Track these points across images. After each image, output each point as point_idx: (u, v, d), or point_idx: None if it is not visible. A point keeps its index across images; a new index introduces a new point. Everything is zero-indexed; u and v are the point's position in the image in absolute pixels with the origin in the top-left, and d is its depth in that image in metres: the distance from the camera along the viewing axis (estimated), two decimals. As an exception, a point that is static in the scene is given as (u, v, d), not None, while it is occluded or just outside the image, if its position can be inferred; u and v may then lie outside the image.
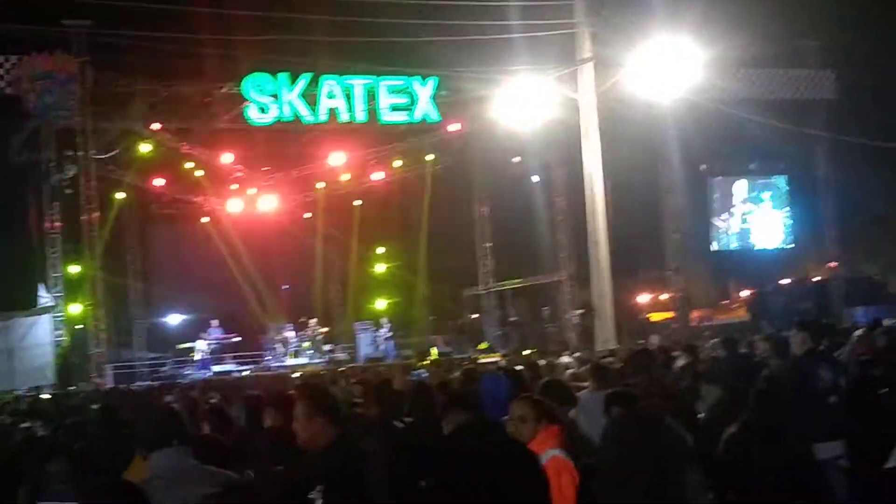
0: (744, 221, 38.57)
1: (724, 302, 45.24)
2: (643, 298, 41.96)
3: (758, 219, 38.68)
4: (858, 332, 12.72)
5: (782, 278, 39.28)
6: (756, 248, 38.91)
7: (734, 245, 38.81)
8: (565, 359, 16.63)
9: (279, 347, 33.64)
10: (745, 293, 42.22)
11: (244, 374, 30.67)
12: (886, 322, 17.06)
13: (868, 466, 6.74)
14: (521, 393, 7.93)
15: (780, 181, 38.96)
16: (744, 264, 39.74)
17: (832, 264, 35.82)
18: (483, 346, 35.71)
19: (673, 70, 22.46)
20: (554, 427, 6.35)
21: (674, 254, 34.23)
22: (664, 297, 38.67)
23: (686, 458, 3.48)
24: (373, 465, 6.00)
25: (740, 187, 38.64)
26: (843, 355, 10.27)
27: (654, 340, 24.16)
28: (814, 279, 38.20)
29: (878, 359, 9.02)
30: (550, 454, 6.01)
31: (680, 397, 7.34)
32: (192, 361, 32.57)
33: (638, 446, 3.39)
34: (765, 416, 7.26)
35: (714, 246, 38.37)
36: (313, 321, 34.76)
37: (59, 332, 28.46)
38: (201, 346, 32.32)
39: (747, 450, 6.47)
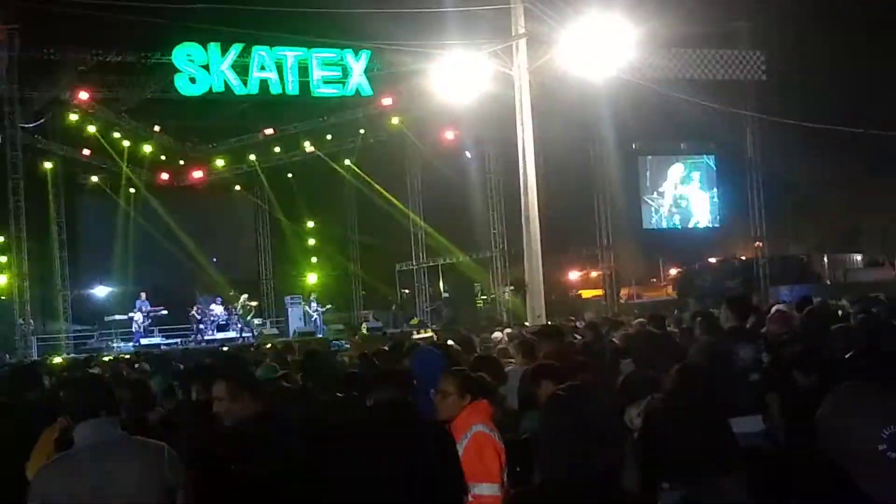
0: (674, 201, 38.98)
1: (653, 280, 45.79)
2: (574, 275, 42.33)
3: (687, 198, 39.11)
4: (776, 308, 12.92)
5: (710, 257, 39.85)
6: (685, 227, 39.38)
7: (664, 224, 39.23)
8: (498, 334, 16.67)
9: (207, 321, 33.35)
10: (673, 271, 42.78)
11: (172, 347, 30.38)
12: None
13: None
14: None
15: (710, 161, 39.45)
16: (673, 243, 40.27)
17: (757, 244, 36.35)
18: (414, 321, 35.82)
19: (606, 48, 22.51)
20: (481, 402, 6.35)
21: (605, 232, 34.52)
22: (595, 274, 39.05)
23: (621, 429, 3.53)
24: (293, 437, 6.00)
25: (675, 167, 39.05)
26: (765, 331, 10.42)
27: (589, 316, 24.34)
28: (741, 258, 38.79)
29: (794, 337, 9.14)
30: (474, 429, 6.02)
31: (593, 370, 7.44)
32: (121, 334, 32.25)
33: (580, 418, 3.42)
34: (686, 389, 7.34)
35: (645, 224, 38.74)
36: (243, 296, 34.55)
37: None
38: (139, 318, 32.01)
39: (667, 422, 6.51)
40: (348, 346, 21.33)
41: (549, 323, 19.49)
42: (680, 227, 39.43)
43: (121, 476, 4.84)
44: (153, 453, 5.05)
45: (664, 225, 39.32)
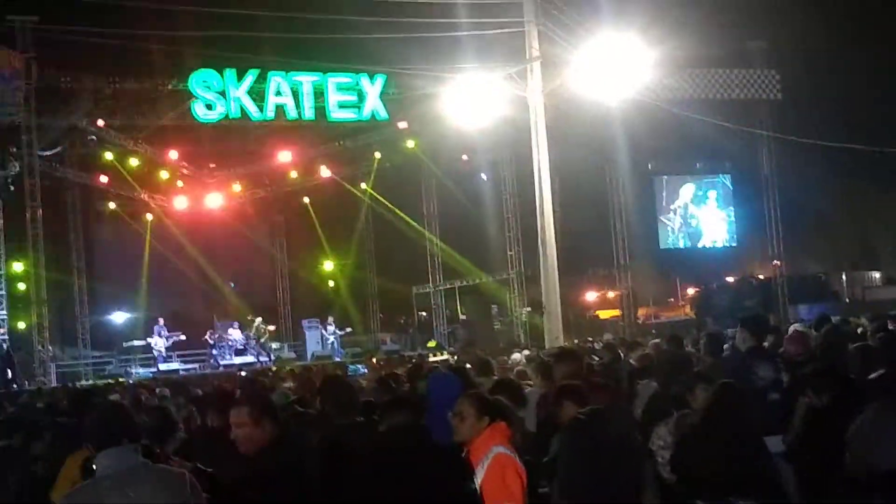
0: (690, 220, 38.88)
1: (670, 300, 45.69)
2: (591, 296, 42.27)
3: (703, 217, 39.01)
4: (793, 328, 12.86)
5: (728, 276, 39.74)
6: (702, 247, 39.27)
7: (681, 244, 39.13)
8: (516, 356, 16.66)
9: (225, 346, 33.41)
10: (690, 291, 42.67)
11: (190, 372, 30.42)
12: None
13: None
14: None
15: (725, 180, 39.35)
16: (690, 262, 40.17)
17: (775, 263, 36.23)
18: (431, 343, 35.78)
19: (620, 69, 22.57)
20: (500, 424, 6.36)
21: (621, 252, 34.47)
22: (612, 294, 38.99)
23: (639, 450, 3.56)
24: (309, 462, 6.02)
25: (686, 187, 38.97)
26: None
27: (607, 337, 24.30)
28: (758, 277, 38.66)
29: (810, 357, 9.10)
30: (495, 451, 6.03)
31: (612, 392, 7.43)
32: (140, 360, 32.34)
33: (599, 441, 3.46)
34: (725, 408, 7.32)
35: (661, 244, 38.65)
36: (259, 319, 34.61)
37: (3, 330, 28.10)
38: (160, 343, 32.10)
39: (703, 441, 6.51)
40: (366, 370, 21.32)
41: (566, 345, 19.44)
42: (697, 246, 39.31)
43: (145, 503, 4.84)
44: (175, 480, 5.05)
45: (681, 245, 39.19)
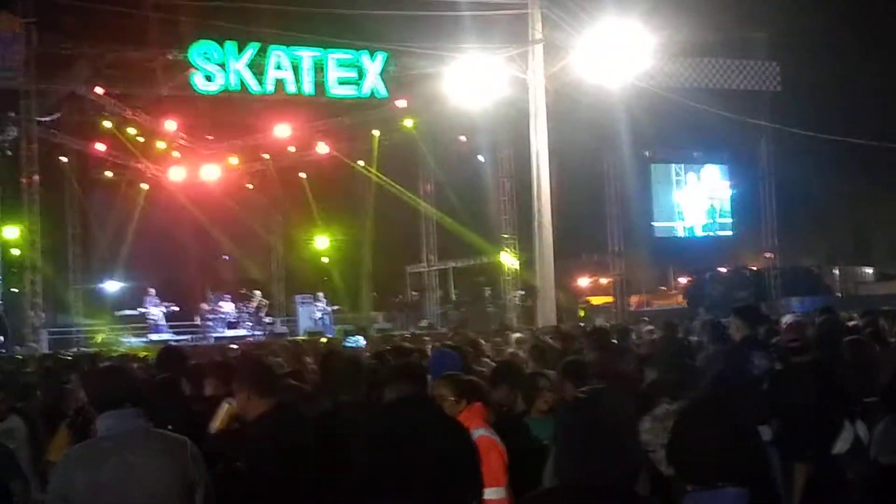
0: (686, 209, 38.93)
1: (662, 288, 45.79)
2: (584, 282, 42.34)
3: (699, 206, 39.07)
4: (788, 319, 12.93)
5: (721, 266, 39.83)
6: (696, 236, 39.34)
7: (676, 232, 39.19)
8: (514, 337, 16.70)
9: (217, 318, 33.43)
10: (683, 280, 42.77)
11: (182, 343, 30.42)
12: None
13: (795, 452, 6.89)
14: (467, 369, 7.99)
15: (723, 170, 39.40)
16: (684, 251, 40.27)
17: (769, 254, 36.32)
18: (424, 324, 35.81)
19: (622, 55, 22.57)
20: (476, 404, 6.38)
21: (616, 239, 34.51)
22: (605, 281, 39.07)
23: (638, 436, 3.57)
24: (305, 436, 6.04)
25: (686, 176, 39.01)
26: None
27: (599, 322, 24.37)
28: (752, 268, 38.76)
29: (806, 346, 9.15)
30: (476, 434, 6.00)
31: (628, 378, 7.41)
32: (133, 329, 32.34)
33: (601, 421, 3.46)
34: (718, 395, 7.36)
35: (656, 233, 38.71)
36: (257, 293, 34.61)
37: (-5, 294, 28.11)
38: (156, 312, 32.11)
39: (695, 428, 6.53)
40: (364, 343, 21.34)
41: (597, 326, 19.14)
42: (691, 236, 39.38)
43: (143, 468, 4.86)
44: (177, 447, 5.07)
45: (676, 234, 39.26)
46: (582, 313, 33.90)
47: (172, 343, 29.87)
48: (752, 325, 9.24)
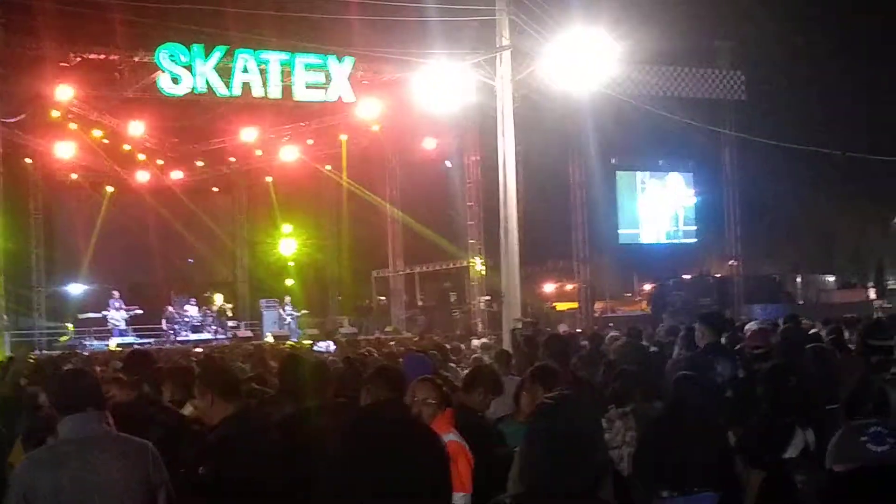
0: (650, 217, 39.13)
1: (627, 294, 46.01)
2: (549, 288, 42.47)
3: (663, 214, 39.28)
4: (752, 326, 13.02)
5: (684, 273, 40.05)
6: (660, 243, 39.55)
7: (639, 239, 39.39)
8: (475, 342, 16.77)
9: (181, 322, 33.27)
10: (647, 286, 42.99)
11: (145, 347, 30.22)
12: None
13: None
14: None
15: (687, 178, 39.64)
16: (648, 258, 40.48)
17: (732, 262, 36.59)
18: (390, 328, 35.80)
19: (588, 62, 22.65)
20: (448, 410, 6.41)
21: (581, 245, 34.63)
22: (570, 287, 39.20)
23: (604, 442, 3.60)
24: (270, 440, 6.03)
25: (650, 183, 39.23)
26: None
27: (563, 328, 24.44)
28: (715, 275, 39.00)
29: (770, 353, 9.23)
30: (447, 438, 6.05)
31: (587, 384, 7.44)
32: (95, 332, 32.09)
33: (568, 427, 3.48)
34: (688, 401, 7.43)
35: (621, 239, 38.89)
36: (218, 297, 34.47)
37: (-44, 297, 27.77)
38: (117, 316, 31.89)
39: (671, 434, 6.61)
40: (334, 348, 21.30)
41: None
42: (655, 243, 39.59)
43: (105, 471, 4.87)
44: (138, 451, 5.08)
45: (640, 240, 39.47)
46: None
47: (138, 347, 29.78)
48: (717, 332, 9.31)
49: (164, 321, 33.41)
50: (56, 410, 5.20)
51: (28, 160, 33.05)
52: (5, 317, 28.13)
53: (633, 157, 38.75)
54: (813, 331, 13.61)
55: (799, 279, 44.56)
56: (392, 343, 21.81)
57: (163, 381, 8.11)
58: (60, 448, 4.93)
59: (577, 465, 3.43)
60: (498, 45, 23.40)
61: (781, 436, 6.79)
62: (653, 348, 12.61)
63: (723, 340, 9.88)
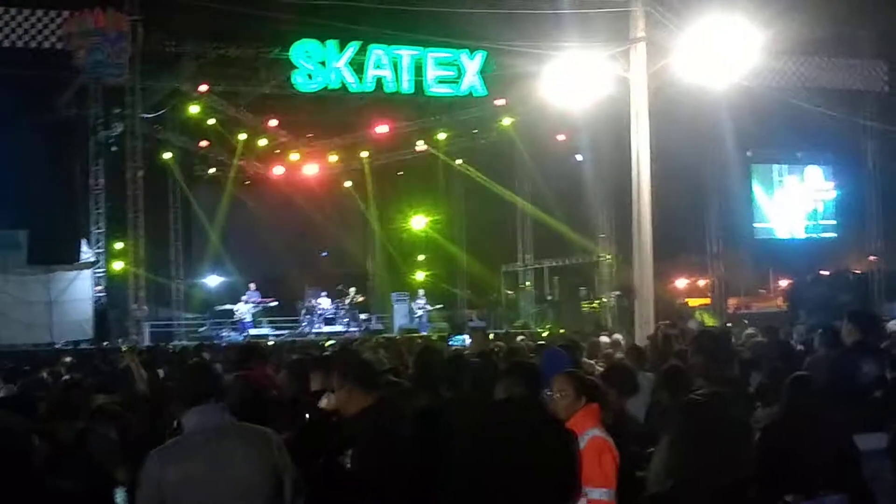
0: (788, 210, 38.20)
1: (762, 290, 44.97)
2: (682, 283, 41.78)
3: (801, 208, 38.32)
4: (893, 325, 12.58)
5: (823, 269, 38.96)
6: (798, 238, 38.58)
7: (776, 234, 38.49)
8: (604, 339, 16.59)
9: (315, 314, 33.77)
10: (783, 282, 41.96)
11: (280, 338, 30.77)
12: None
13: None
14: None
15: (826, 171, 38.58)
16: (785, 253, 39.43)
17: (873, 257, 35.48)
18: (519, 323, 35.73)
19: (725, 54, 22.15)
20: (594, 405, 6.32)
21: (715, 240, 34.02)
22: (703, 282, 38.53)
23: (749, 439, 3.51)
24: (407, 430, 6.04)
25: (789, 177, 38.30)
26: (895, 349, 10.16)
27: (693, 325, 24.00)
28: (855, 271, 37.84)
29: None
30: (591, 434, 6.00)
31: (735, 383, 7.25)
32: (231, 323, 32.74)
33: (720, 425, 3.42)
34: (803, 401, 7.21)
35: (756, 234, 38.06)
36: (352, 290, 34.86)
37: (99, 287, 28.73)
38: (243, 309, 32.50)
39: (787, 435, 6.43)
40: (469, 342, 21.31)
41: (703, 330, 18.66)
42: (792, 238, 38.63)
43: (232, 460, 4.97)
44: (262, 439, 5.17)
45: (776, 235, 38.55)
46: (710, 321, 32.54)
47: (272, 338, 30.40)
48: (865, 331, 8.97)
49: (303, 312, 33.93)
50: (182, 402, 5.31)
51: (167, 155, 33.95)
52: (145, 308, 29.00)
53: (769, 150, 37.82)
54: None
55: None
56: (520, 338, 21.69)
57: (309, 371, 8.20)
58: (189, 439, 5.03)
59: (725, 463, 3.36)
60: (632, 37, 23.06)
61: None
62: (799, 347, 12.25)
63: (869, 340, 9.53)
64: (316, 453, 6.17)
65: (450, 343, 21.85)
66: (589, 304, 36.93)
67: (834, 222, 38.56)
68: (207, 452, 4.93)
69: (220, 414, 5.10)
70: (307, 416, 7.06)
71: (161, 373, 12.60)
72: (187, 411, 5.11)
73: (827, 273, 38.41)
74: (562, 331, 23.99)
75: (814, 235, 38.60)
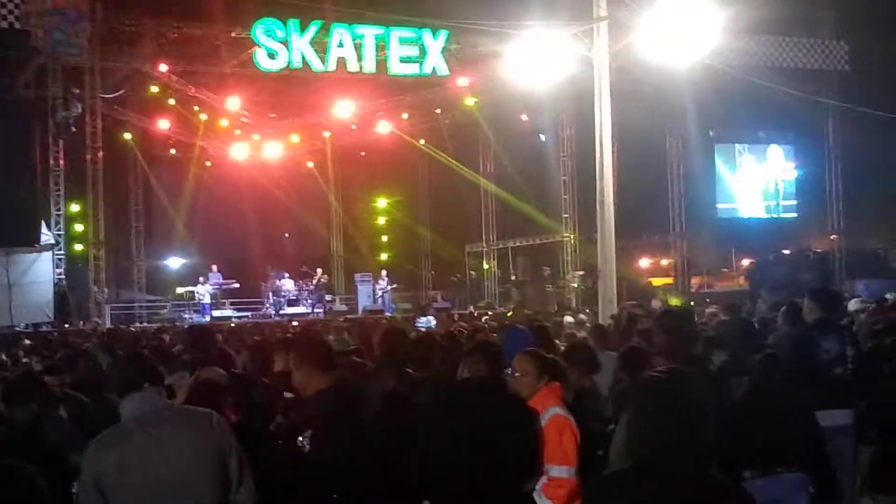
0: (749, 190, 38.37)
1: (724, 270, 45.22)
2: (645, 263, 41.94)
3: (763, 187, 38.49)
4: (854, 304, 12.64)
5: (784, 248, 39.22)
6: (759, 217, 38.78)
7: (738, 213, 38.67)
8: (568, 319, 16.61)
9: (278, 295, 33.63)
10: (745, 262, 42.20)
11: (242, 320, 30.62)
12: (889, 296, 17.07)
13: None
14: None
15: (788, 150, 38.76)
16: (747, 233, 39.63)
17: (833, 236, 35.76)
18: (481, 303, 35.75)
19: (688, 33, 22.16)
20: (555, 384, 6.31)
21: (678, 219, 34.15)
22: (666, 262, 38.70)
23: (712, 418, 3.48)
24: (368, 411, 5.99)
25: (749, 156, 38.44)
26: (855, 326, 10.20)
27: (655, 304, 24.08)
28: (816, 250, 38.11)
29: (891, 328, 8.92)
30: (552, 412, 6.00)
31: (698, 362, 7.24)
32: (192, 305, 32.53)
33: (678, 401, 3.38)
34: (770, 378, 7.24)
35: (719, 213, 38.22)
36: (318, 270, 34.72)
37: (59, 270, 28.44)
38: (204, 290, 32.30)
39: (751, 413, 6.46)
40: (434, 323, 21.30)
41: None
42: (754, 217, 38.81)
43: (170, 444, 4.90)
44: (200, 419, 5.10)
45: (739, 215, 38.73)
46: (674, 300, 32.58)
47: (234, 320, 30.23)
48: (826, 309, 9.00)
49: (269, 294, 33.78)
50: (116, 395, 5.26)
51: (128, 136, 33.62)
52: (106, 290, 28.76)
53: (731, 130, 37.94)
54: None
55: (904, 254, 43.35)
56: (485, 318, 21.68)
57: (271, 353, 8.14)
58: (123, 427, 4.96)
59: (685, 440, 3.33)
60: (595, 16, 23.01)
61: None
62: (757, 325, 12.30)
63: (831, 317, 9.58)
64: (265, 434, 6.13)
65: (416, 325, 21.79)
66: (553, 283, 36.99)
67: (795, 202, 38.75)
68: (144, 438, 4.86)
69: (154, 399, 5.03)
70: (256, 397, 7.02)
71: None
72: (123, 399, 5.05)
73: (788, 252, 38.67)
74: (526, 311, 23.95)
75: (775, 215, 38.80)
